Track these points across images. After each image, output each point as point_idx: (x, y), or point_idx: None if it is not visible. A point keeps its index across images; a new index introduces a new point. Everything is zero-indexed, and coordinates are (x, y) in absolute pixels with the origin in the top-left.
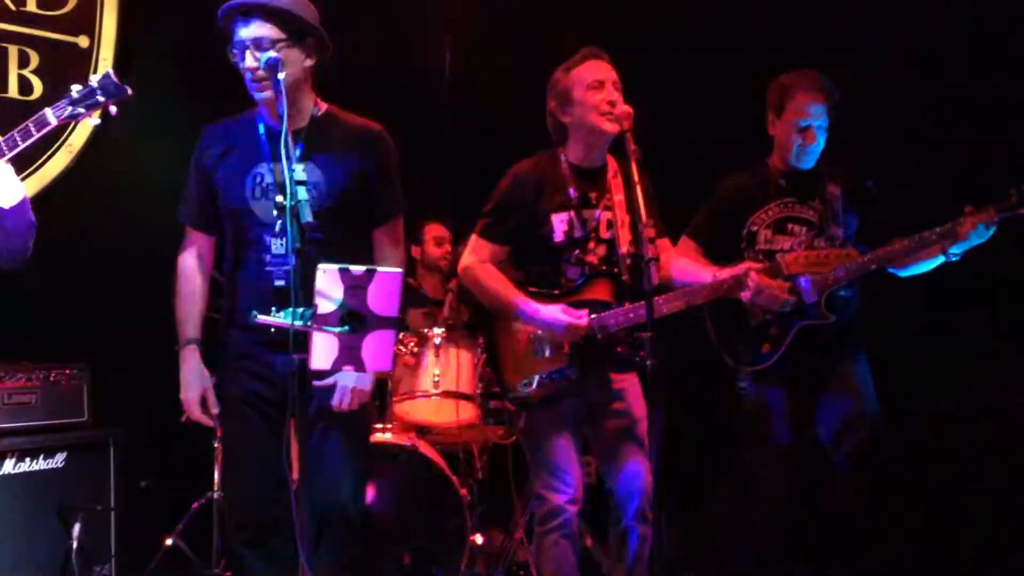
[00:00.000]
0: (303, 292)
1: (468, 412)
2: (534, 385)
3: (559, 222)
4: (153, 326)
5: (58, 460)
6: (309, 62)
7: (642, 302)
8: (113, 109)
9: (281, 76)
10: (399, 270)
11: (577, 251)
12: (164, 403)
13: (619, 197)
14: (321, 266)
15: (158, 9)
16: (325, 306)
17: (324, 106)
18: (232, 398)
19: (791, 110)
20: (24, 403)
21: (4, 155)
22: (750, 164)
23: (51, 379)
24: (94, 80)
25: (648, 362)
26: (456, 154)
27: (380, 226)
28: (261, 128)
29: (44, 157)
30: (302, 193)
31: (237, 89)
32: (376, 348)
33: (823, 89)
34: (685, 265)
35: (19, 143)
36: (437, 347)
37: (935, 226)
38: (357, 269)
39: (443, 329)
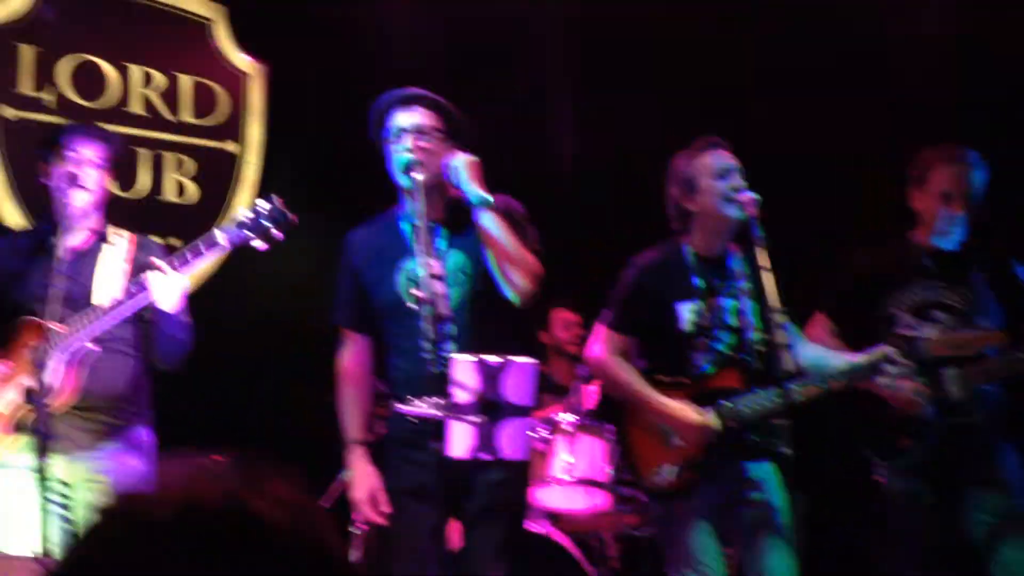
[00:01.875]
0: (445, 378)
1: (600, 499)
2: (667, 475)
3: (685, 311)
4: (290, 418)
5: None
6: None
7: (775, 390)
8: (277, 235)
9: (431, 165)
10: (534, 360)
11: (705, 339)
12: (304, 490)
13: (745, 284)
14: (456, 356)
15: (298, 118)
16: (462, 396)
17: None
18: (395, 487)
19: (934, 180)
20: None
21: (177, 269)
22: (890, 238)
23: None
24: (261, 206)
25: (784, 450)
26: (582, 238)
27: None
28: (403, 224)
29: None
30: (441, 286)
31: (370, 194)
32: (512, 436)
33: (967, 160)
34: (818, 351)
35: (189, 260)
36: (568, 433)
37: None
38: (493, 360)
39: (574, 415)
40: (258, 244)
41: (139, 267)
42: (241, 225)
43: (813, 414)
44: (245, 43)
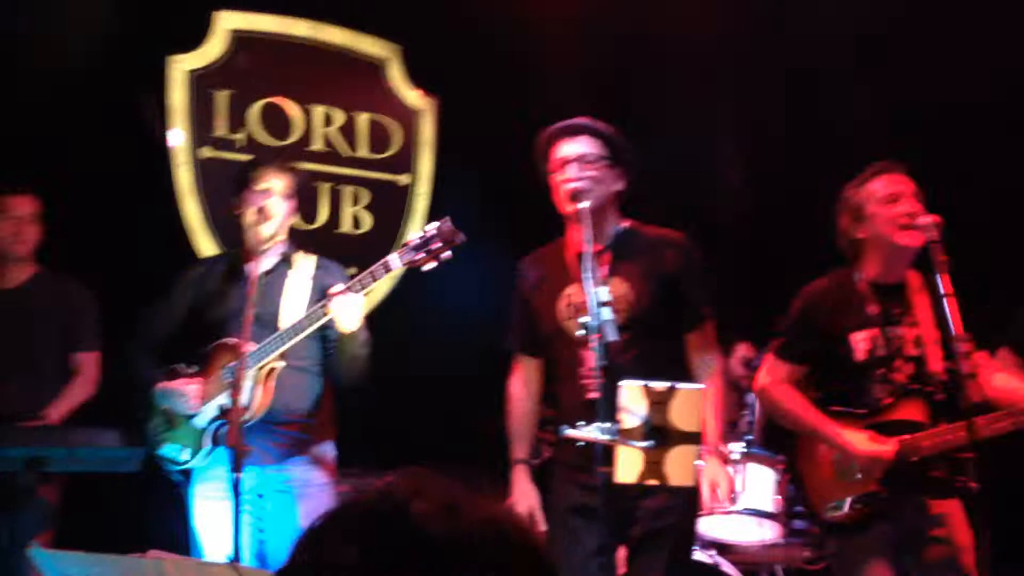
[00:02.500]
0: (612, 404)
1: (771, 531)
2: (844, 509)
3: (860, 341)
4: (462, 436)
5: None
6: (619, 185)
7: (961, 422)
8: (448, 254)
9: (595, 194)
10: (701, 386)
11: (883, 370)
12: None
13: (925, 312)
14: (624, 383)
15: (467, 148)
16: (629, 421)
17: (626, 222)
18: (560, 509)
19: None
20: None
21: (357, 292)
22: None
23: (376, 485)
24: (432, 227)
25: (971, 486)
26: (756, 270)
27: (691, 331)
28: (569, 252)
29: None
30: (607, 313)
31: (539, 222)
32: (680, 463)
33: None
34: (1008, 382)
35: (368, 283)
36: (736, 463)
37: None
38: (659, 385)
39: (742, 445)
40: (428, 265)
41: (321, 289)
42: (413, 247)
43: (1002, 446)
44: (417, 79)
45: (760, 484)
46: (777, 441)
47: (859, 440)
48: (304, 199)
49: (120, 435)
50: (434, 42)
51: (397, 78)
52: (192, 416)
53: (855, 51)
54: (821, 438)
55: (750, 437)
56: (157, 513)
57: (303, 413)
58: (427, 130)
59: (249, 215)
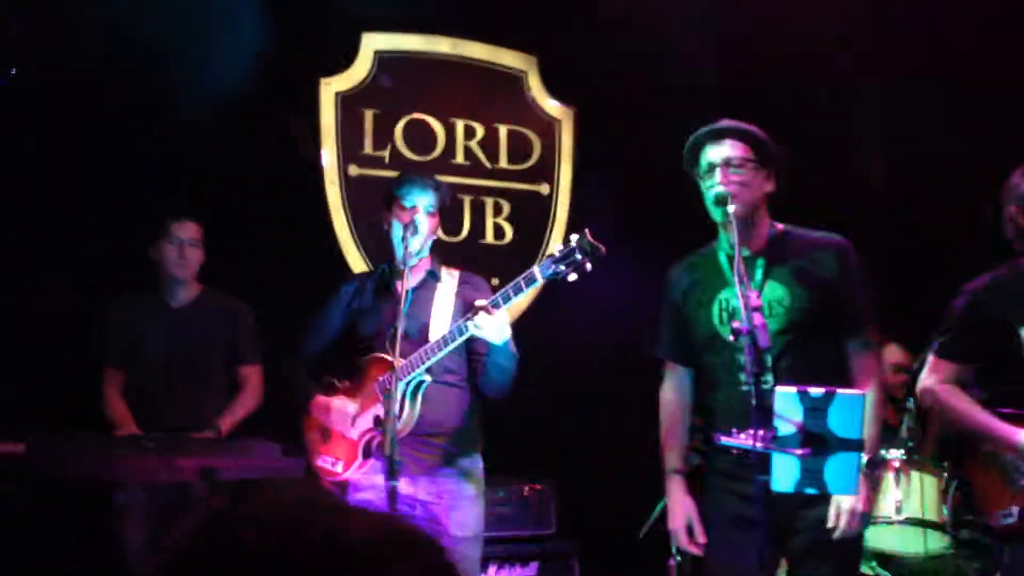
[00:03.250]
0: (767, 410)
1: (937, 542)
2: (1015, 517)
3: None
4: (608, 445)
5: (531, 569)
6: (769, 187)
7: None
8: (589, 267)
9: (745, 197)
10: (862, 392)
11: None
12: (622, 517)
13: None
14: (778, 388)
15: (606, 156)
16: (785, 428)
17: (780, 226)
18: (716, 520)
19: None
20: (502, 514)
21: (501, 306)
22: None
23: (524, 493)
24: (573, 240)
25: None
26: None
27: (849, 336)
28: (722, 256)
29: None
30: (759, 318)
31: (680, 227)
32: (839, 471)
33: None
34: None
35: (512, 296)
36: (897, 470)
37: None
38: (816, 391)
39: (902, 452)
40: (571, 277)
41: (466, 303)
42: (555, 260)
43: None
44: (554, 89)
45: (924, 493)
46: (941, 447)
47: None
48: (448, 212)
49: (283, 445)
50: (571, 52)
51: (536, 89)
52: (346, 429)
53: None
54: (992, 440)
55: (911, 444)
56: None
57: (451, 426)
58: (566, 139)
59: (397, 231)
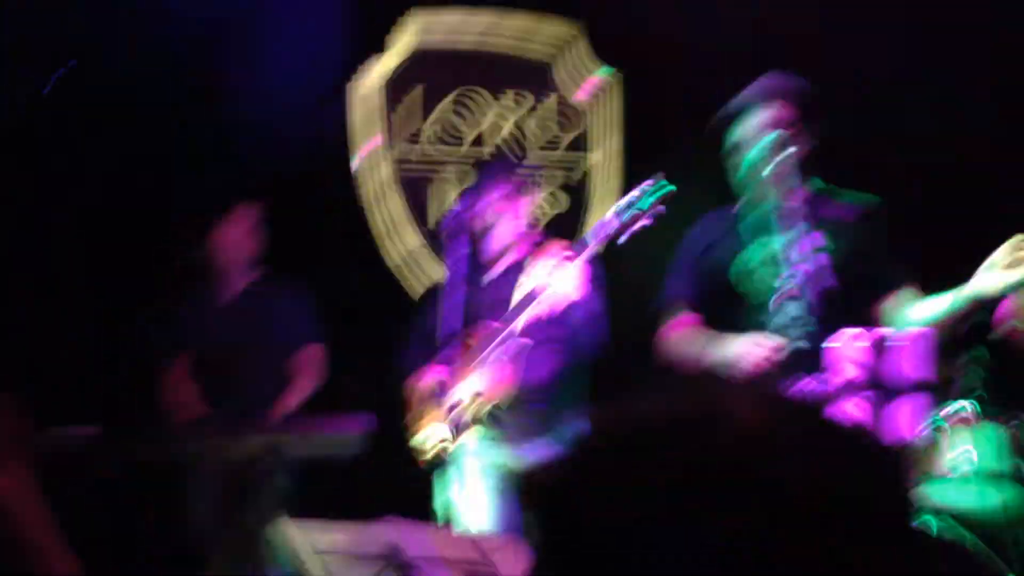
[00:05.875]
0: (815, 357)
1: (1011, 495)
2: None
3: None
4: None
5: None
6: (811, 144)
7: None
8: (661, 208)
9: (791, 152)
10: (921, 333)
11: None
12: None
13: None
14: (845, 332)
15: (655, 123)
16: (843, 373)
17: (819, 183)
18: None
19: None
20: None
21: (573, 259)
22: None
23: None
24: (641, 187)
25: None
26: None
27: (886, 297)
28: (761, 206)
29: None
30: (809, 261)
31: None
32: (900, 416)
33: None
34: None
35: (587, 247)
36: (966, 421)
37: None
38: (883, 333)
39: (972, 401)
40: (644, 221)
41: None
42: (627, 206)
43: None
44: (602, 56)
45: (995, 444)
46: (1007, 397)
47: None
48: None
49: (345, 422)
50: (617, 18)
51: (583, 56)
52: (443, 402)
53: None
54: None
55: (981, 393)
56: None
57: (545, 388)
58: (615, 107)
59: (480, 223)
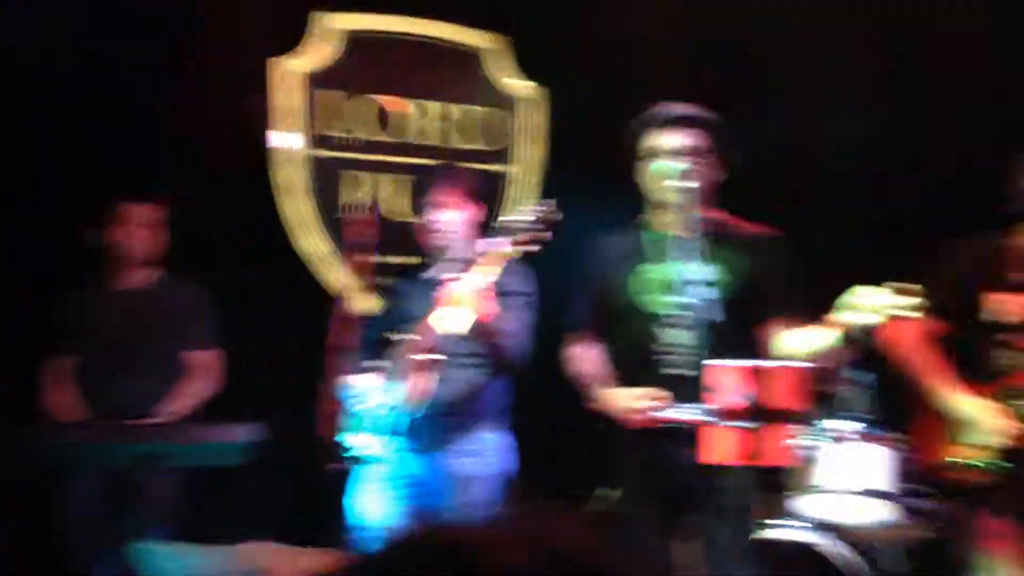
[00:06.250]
0: (697, 385)
1: (887, 511)
2: (962, 468)
3: (1007, 304)
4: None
5: None
6: (719, 175)
7: None
8: (548, 235)
9: (695, 184)
10: (797, 363)
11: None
12: (568, 495)
13: None
14: (717, 362)
15: (576, 136)
16: (725, 401)
17: (720, 214)
18: (630, 491)
19: None
20: None
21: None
22: None
23: None
24: (531, 210)
25: None
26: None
27: (773, 324)
28: (656, 234)
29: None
30: (699, 293)
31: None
32: (774, 441)
33: None
34: None
35: (475, 269)
36: (850, 440)
37: None
38: (757, 364)
39: (856, 422)
40: (530, 247)
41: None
42: (515, 230)
43: None
44: (522, 69)
45: (873, 463)
46: (893, 416)
47: (980, 406)
48: (419, 193)
49: (230, 429)
50: (540, 30)
51: (505, 69)
52: (365, 407)
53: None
54: (941, 399)
55: (862, 415)
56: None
57: (463, 403)
58: (536, 119)
59: (424, 228)
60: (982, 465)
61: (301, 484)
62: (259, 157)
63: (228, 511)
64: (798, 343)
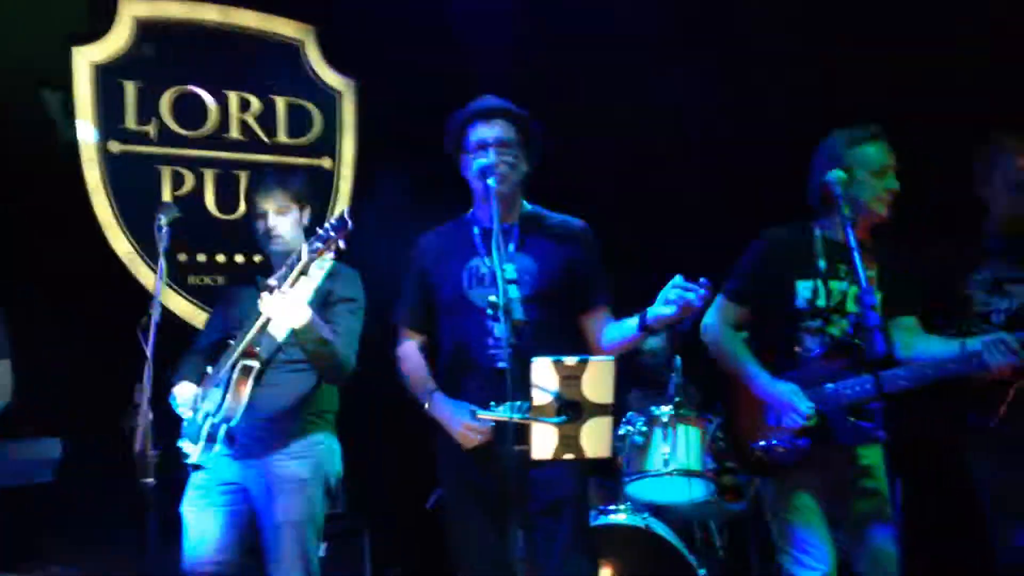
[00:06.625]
0: (522, 381)
1: (701, 490)
2: (766, 445)
3: (803, 289)
4: (392, 421)
5: (320, 550)
6: (529, 168)
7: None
8: (343, 244)
9: (506, 175)
10: (612, 358)
11: (820, 321)
12: (409, 493)
13: (872, 273)
14: (536, 359)
15: (390, 132)
16: (542, 397)
17: (530, 205)
18: (454, 490)
19: None
20: None
21: (281, 288)
22: None
23: None
24: (333, 219)
25: (880, 434)
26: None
27: (589, 313)
28: (475, 228)
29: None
30: (514, 291)
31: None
32: (595, 435)
33: None
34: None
35: (290, 276)
36: (665, 425)
37: None
38: (571, 360)
39: (670, 407)
40: (329, 255)
41: (324, 292)
42: (318, 239)
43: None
44: (335, 61)
45: (689, 444)
46: (708, 399)
47: (785, 391)
48: (224, 189)
49: (33, 445)
50: (351, 23)
51: (314, 60)
52: (188, 415)
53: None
54: (751, 386)
55: (678, 399)
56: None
57: (285, 409)
58: (348, 112)
59: (259, 232)
60: (788, 445)
61: (109, 501)
62: (71, 154)
63: (31, 532)
64: (616, 334)
